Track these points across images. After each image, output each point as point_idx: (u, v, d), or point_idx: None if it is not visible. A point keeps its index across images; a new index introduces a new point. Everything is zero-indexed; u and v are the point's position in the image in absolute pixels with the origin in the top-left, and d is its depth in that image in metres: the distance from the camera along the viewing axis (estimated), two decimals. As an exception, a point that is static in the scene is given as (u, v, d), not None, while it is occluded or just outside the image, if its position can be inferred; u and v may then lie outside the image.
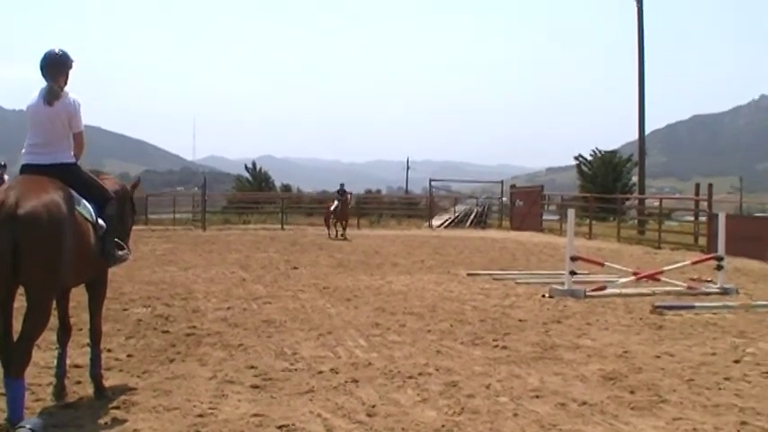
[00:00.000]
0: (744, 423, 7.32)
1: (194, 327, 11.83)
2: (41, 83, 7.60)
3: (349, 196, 39.23)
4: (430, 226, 47.83)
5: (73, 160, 7.69)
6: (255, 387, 8.29)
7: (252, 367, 9.16)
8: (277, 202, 55.10)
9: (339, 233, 36.85)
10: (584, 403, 7.90)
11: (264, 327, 11.97)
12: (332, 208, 38.00)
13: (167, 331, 11.43)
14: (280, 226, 44.19)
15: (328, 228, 37.49)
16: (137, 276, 18.22)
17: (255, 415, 7.27)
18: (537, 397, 8.13)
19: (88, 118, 8.31)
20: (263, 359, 9.64)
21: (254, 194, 68.30)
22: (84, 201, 7.45)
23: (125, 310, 13.37)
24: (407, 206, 64.17)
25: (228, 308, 13.83)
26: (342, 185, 39.22)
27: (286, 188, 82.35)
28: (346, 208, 38.05)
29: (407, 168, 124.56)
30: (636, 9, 44.95)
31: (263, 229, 42.83)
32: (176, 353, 9.91)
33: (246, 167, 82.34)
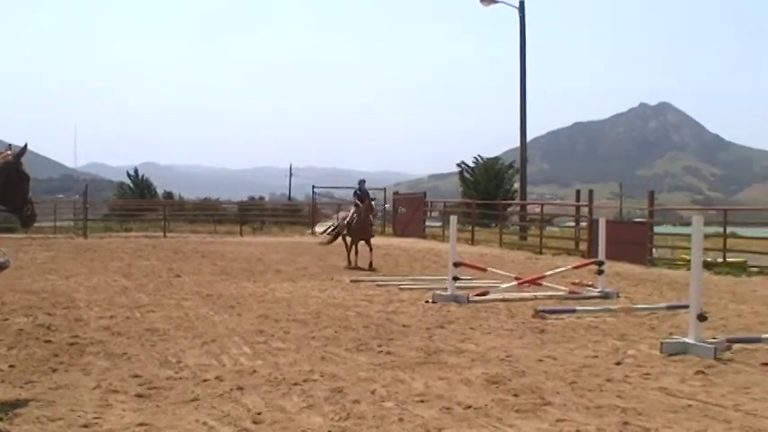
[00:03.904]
0: (626, 423, 7.51)
1: (77, 336, 11.69)
2: None
3: (372, 202, 27.31)
4: (313, 233, 47.82)
5: None
6: (140, 396, 8.23)
7: (136, 376, 9.10)
8: (159, 209, 54.54)
9: (354, 260, 25.43)
10: (469, 407, 8.01)
11: (148, 335, 11.89)
12: (347, 220, 26.74)
13: (50, 341, 11.27)
14: (162, 233, 43.79)
15: (348, 249, 26.08)
16: (17, 285, 17.89)
17: (141, 424, 7.24)
18: (422, 401, 8.21)
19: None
20: (147, 368, 9.58)
21: (137, 202, 67.49)
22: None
23: (6, 320, 13.14)
24: (290, 213, 64.09)
25: (111, 317, 13.69)
26: (361, 183, 27.60)
27: (168, 195, 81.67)
28: (369, 219, 26.36)
29: (290, 175, 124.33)
30: (518, 18, 45.60)
31: (146, 236, 42.40)
32: (59, 363, 9.78)
33: (129, 174, 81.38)
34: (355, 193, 27.41)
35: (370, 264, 24.76)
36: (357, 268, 24.63)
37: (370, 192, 27.40)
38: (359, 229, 25.56)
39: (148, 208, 60.87)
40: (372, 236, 26.62)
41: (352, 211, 26.39)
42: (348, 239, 26.20)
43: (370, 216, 26.26)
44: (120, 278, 20.31)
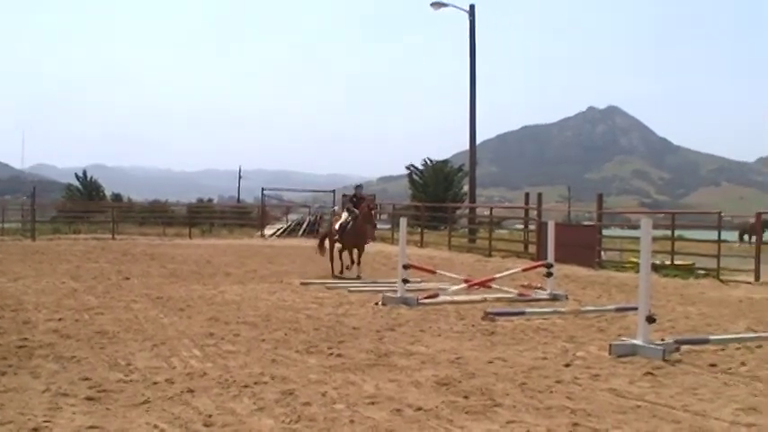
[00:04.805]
0: (576, 424, 7.56)
1: (26, 339, 11.58)
2: None
3: (375, 208, 22.02)
4: (262, 235, 47.72)
5: None
6: (90, 399, 8.17)
7: (86, 379, 9.02)
8: (108, 211, 54.26)
9: (346, 265, 23.66)
10: (420, 409, 8.02)
11: (97, 338, 11.80)
12: (338, 224, 24.11)
13: (-3, 344, 11.19)
14: (111, 236, 43.49)
15: (331, 259, 24.16)
16: (-37, 288, 17.74)
17: (91, 427, 7.19)
18: (373, 403, 8.22)
19: None
20: (96, 371, 9.50)
21: (85, 204, 67.18)
22: None
23: (-48, 323, 13.02)
24: (239, 215, 64.03)
25: (60, 319, 13.58)
26: (357, 188, 25.41)
27: (117, 197, 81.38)
28: (365, 225, 23.60)
29: (239, 177, 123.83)
30: (468, 21, 45.70)
31: (94, 238, 42.06)
32: (8, 366, 9.69)
33: (77, 176, 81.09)
34: (351, 198, 25.11)
35: (358, 273, 22.88)
36: (343, 275, 23.15)
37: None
38: (354, 234, 23.40)
39: (97, 210, 60.60)
40: (368, 242, 24.46)
41: (345, 216, 24.06)
42: (337, 245, 24.23)
43: (366, 223, 23.43)
44: (69, 280, 20.15)
